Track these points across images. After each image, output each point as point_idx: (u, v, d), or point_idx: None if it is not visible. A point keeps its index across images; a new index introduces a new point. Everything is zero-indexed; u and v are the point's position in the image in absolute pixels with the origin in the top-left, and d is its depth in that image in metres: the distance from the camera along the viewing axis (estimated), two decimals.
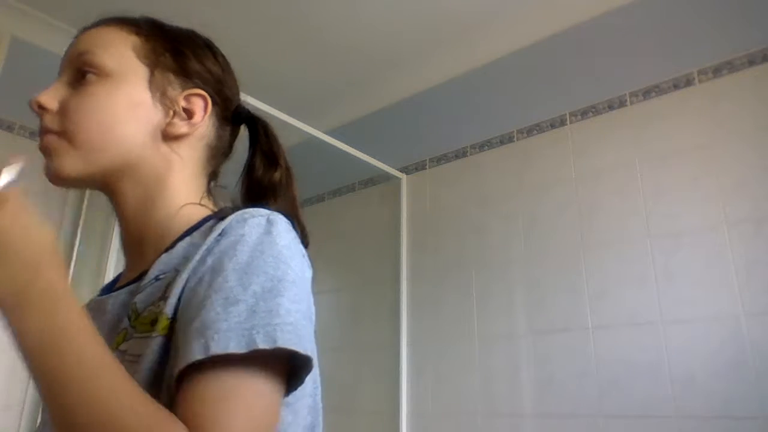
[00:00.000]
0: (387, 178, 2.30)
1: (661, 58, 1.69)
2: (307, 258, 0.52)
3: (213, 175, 0.64)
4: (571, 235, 1.73)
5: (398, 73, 2.37)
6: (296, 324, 0.43)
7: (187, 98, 0.59)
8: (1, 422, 1.81)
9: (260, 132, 0.63)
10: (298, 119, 1.85)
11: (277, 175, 0.60)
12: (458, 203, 2.06)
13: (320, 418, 0.53)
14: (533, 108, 1.95)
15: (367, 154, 2.14)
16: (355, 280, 2.31)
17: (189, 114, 0.59)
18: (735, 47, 1.56)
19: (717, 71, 1.59)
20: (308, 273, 0.50)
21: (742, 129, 1.51)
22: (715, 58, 1.60)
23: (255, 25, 2.09)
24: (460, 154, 2.12)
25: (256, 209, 0.50)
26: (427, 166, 2.22)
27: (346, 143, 2.06)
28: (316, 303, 0.50)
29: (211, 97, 0.61)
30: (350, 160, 2.11)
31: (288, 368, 0.45)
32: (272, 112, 1.75)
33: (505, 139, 2.00)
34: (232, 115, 0.64)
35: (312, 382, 0.51)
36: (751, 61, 1.53)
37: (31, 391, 1.84)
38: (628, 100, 1.74)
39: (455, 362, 1.87)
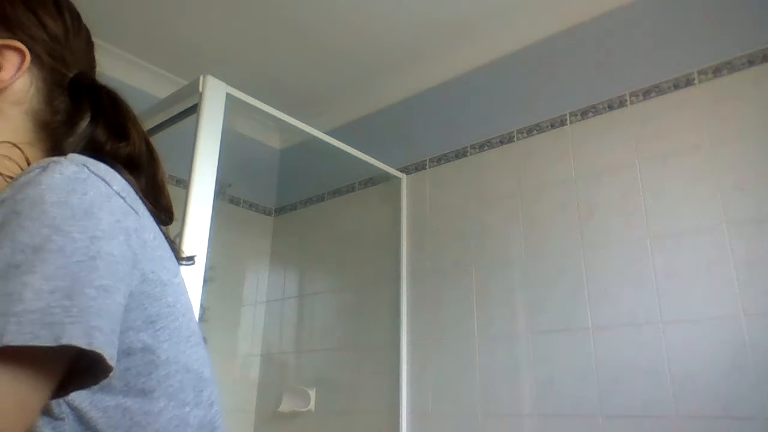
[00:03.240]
0: (387, 178, 2.30)
1: (661, 58, 1.69)
2: (136, 221, 0.43)
3: (52, 153, 0.53)
4: (571, 235, 1.73)
5: (398, 73, 2.37)
6: (46, 311, 0.34)
7: None
8: None
9: (105, 103, 0.52)
10: (298, 119, 1.85)
11: (127, 149, 0.50)
12: (458, 203, 2.06)
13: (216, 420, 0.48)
14: (533, 108, 1.95)
15: (367, 154, 2.14)
16: (355, 280, 2.30)
17: None
18: (735, 47, 1.56)
19: (717, 71, 1.59)
20: (118, 240, 0.40)
21: (742, 129, 1.51)
22: (715, 58, 1.60)
23: (256, 26, 2.09)
24: (460, 154, 2.12)
25: (56, 157, 0.41)
26: (427, 166, 2.22)
27: (346, 143, 2.06)
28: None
29: (38, 56, 0.51)
30: (350, 160, 2.11)
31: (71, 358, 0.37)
32: (272, 112, 1.75)
33: (505, 139, 2.00)
34: (69, 84, 0.54)
35: (177, 374, 0.45)
36: (751, 61, 1.53)
37: None
38: (628, 100, 1.74)
39: (455, 362, 1.87)
